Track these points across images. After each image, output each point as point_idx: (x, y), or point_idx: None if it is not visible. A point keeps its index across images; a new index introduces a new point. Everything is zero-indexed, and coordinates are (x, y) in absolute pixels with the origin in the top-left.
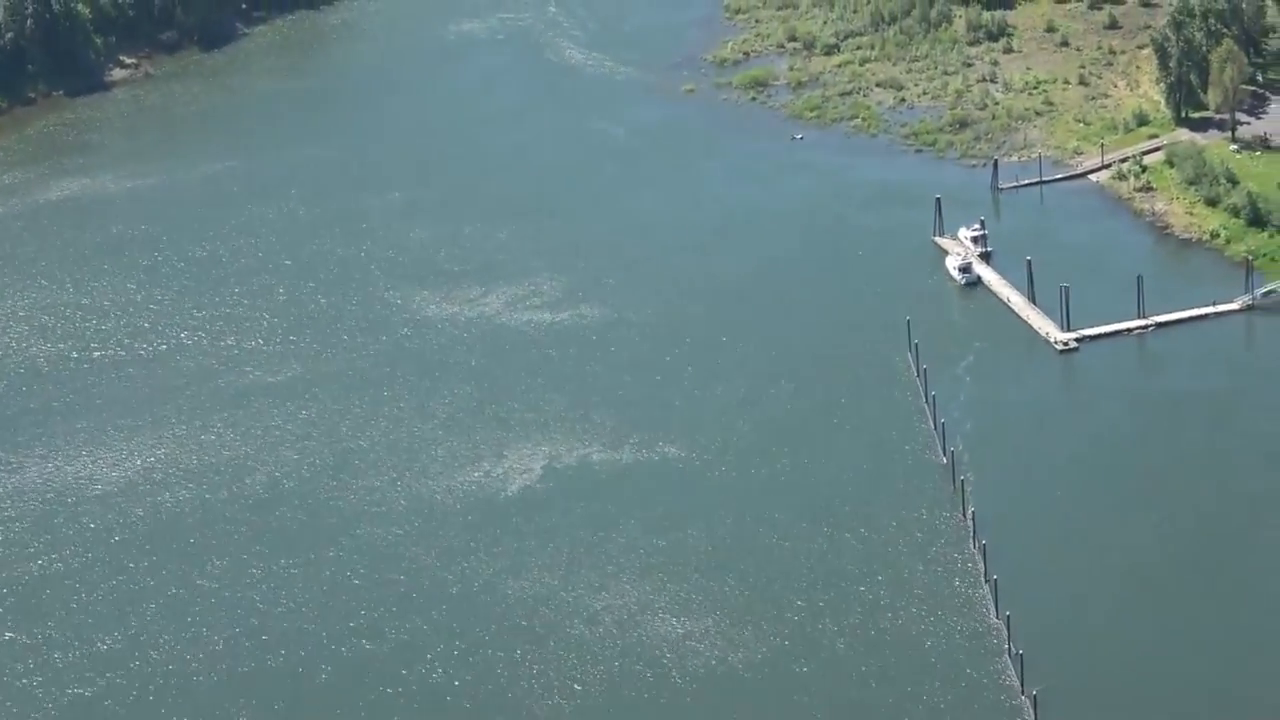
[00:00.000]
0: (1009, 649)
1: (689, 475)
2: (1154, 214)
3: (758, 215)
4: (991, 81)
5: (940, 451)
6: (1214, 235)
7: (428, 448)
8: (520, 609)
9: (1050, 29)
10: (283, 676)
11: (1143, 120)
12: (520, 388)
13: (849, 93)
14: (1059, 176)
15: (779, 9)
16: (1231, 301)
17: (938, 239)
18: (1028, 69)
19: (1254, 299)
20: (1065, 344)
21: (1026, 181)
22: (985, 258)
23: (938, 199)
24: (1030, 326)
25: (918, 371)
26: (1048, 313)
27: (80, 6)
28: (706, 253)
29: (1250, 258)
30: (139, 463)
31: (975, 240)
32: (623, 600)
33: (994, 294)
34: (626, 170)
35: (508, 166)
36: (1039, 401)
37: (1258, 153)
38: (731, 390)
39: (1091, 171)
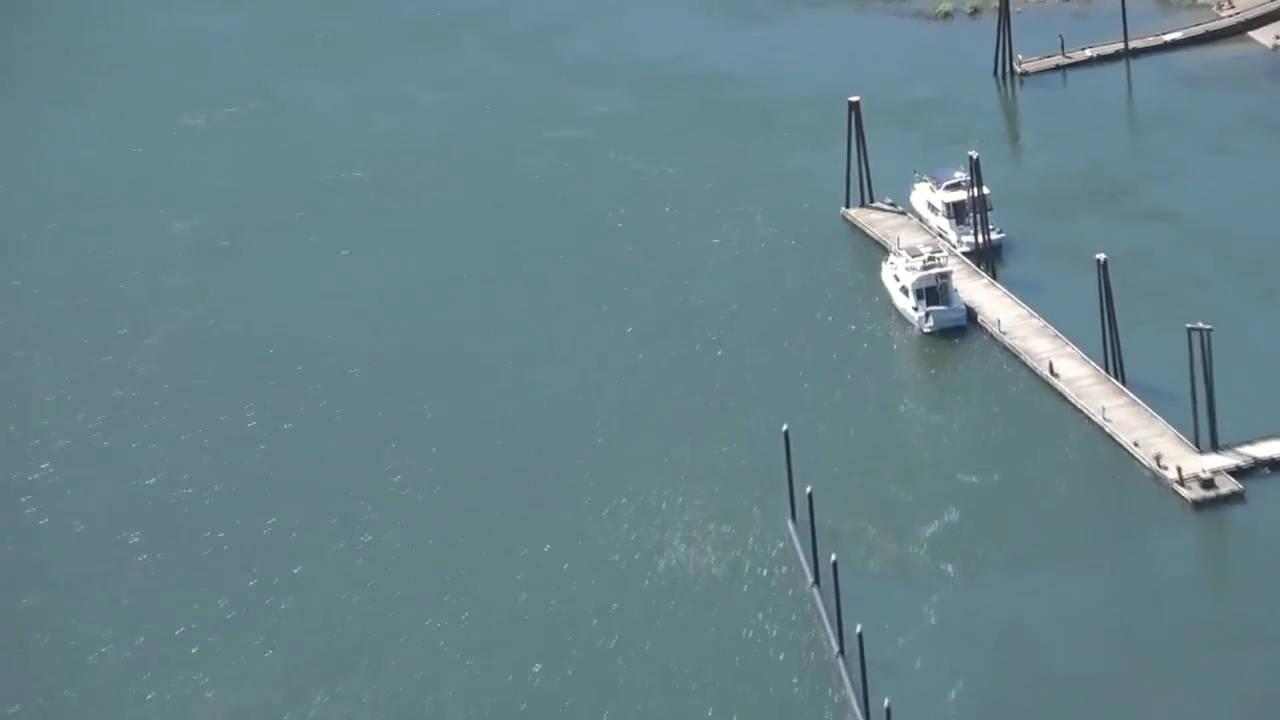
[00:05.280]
0: None
1: None
2: None
3: (412, 145)
4: None
5: None
6: None
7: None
8: None
9: None
10: None
11: None
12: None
13: None
14: (1167, 37)
15: None
16: None
17: (853, 213)
18: None
19: None
20: (1204, 481)
21: (1081, 52)
22: (979, 256)
23: (852, 104)
24: (1108, 436)
25: (812, 571)
26: (1153, 400)
27: None
28: (314, 249)
29: None
30: None
31: (954, 212)
32: None
33: (1005, 349)
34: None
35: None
36: (1133, 635)
37: None
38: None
39: (1249, 25)
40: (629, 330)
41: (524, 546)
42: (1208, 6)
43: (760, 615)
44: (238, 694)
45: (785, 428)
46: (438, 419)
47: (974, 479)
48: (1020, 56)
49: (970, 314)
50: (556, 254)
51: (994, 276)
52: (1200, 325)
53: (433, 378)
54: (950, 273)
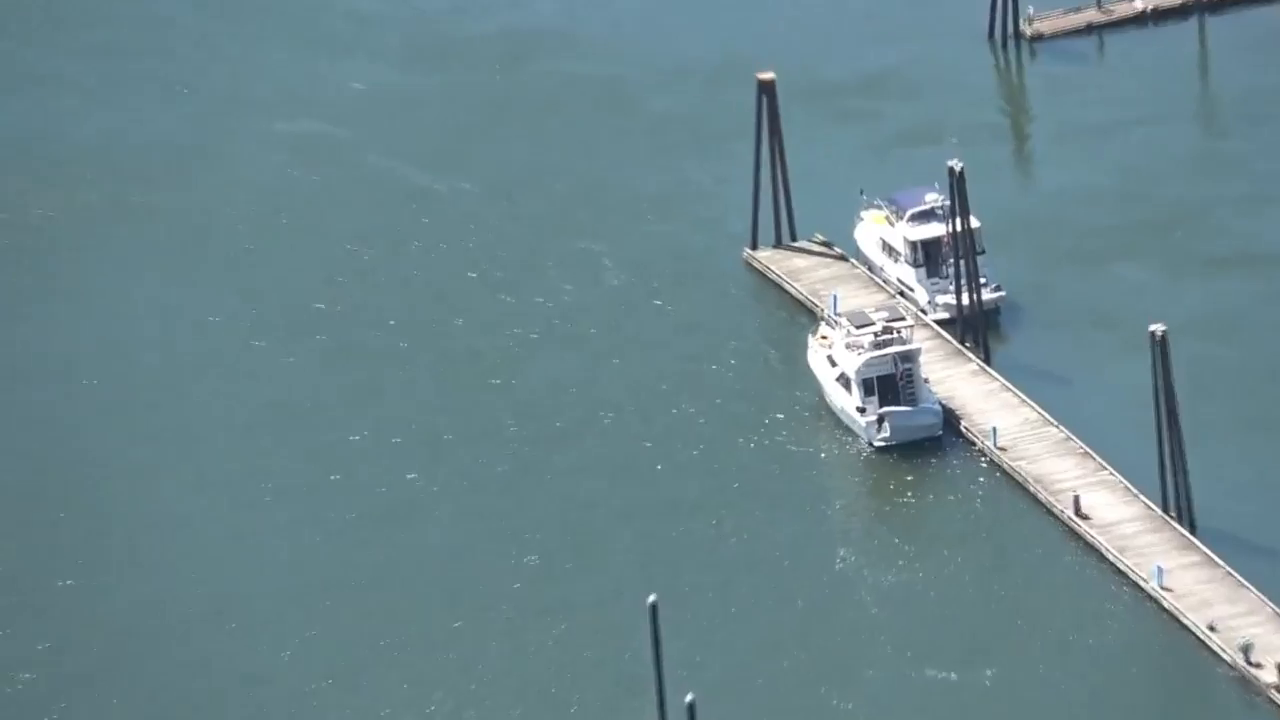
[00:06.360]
0: None
1: None
2: None
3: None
4: None
5: None
6: None
7: None
8: None
9: None
10: None
11: None
12: None
13: None
14: None
15: None
16: None
17: (764, 256)
18: None
19: None
20: None
21: (1128, 4)
22: (963, 326)
23: (765, 84)
24: (1167, 614)
25: None
26: (1237, 558)
27: None
28: None
29: None
30: None
31: (924, 256)
32: None
33: (1003, 474)
34: None
35: None
36: None
37: None
38: None
39: None
40: (409, 448)
41: None
42: None
43: None
44: None
45: (652, 599)
46: (120, 605)
47: (953, 676)
48: (1031, 11)
49: (948, 418)
50: (291, 319)
51: (986, 359)
52: None
53: (97, 534)
54: (917, 352)
